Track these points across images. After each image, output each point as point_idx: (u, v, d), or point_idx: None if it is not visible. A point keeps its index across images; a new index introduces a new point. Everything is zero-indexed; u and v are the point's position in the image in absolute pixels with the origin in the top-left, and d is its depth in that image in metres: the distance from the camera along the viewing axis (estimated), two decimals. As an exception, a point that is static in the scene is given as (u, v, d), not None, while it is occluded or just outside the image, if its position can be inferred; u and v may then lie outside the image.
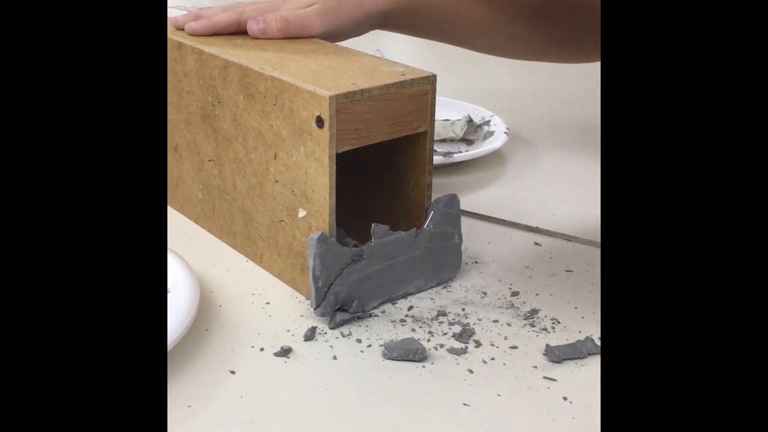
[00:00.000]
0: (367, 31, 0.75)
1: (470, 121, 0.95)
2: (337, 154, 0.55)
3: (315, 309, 0.56)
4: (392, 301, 0.60)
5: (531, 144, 0.97)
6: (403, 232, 0.59)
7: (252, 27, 0.67)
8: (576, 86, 1.24)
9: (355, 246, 0.58)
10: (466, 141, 0.94)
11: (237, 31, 0.69)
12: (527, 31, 0.82)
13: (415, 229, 0.60)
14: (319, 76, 0.57)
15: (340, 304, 0.57)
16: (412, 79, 0.57)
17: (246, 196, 0.63)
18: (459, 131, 0.94)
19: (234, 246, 0.67)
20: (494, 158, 0.91)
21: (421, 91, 0.58)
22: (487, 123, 0.97)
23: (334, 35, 0.71)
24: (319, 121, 0.54)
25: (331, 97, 0.53)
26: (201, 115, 0.66)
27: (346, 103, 0.54)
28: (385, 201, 0.65)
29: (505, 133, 0.93)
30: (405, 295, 0.60)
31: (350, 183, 0.60)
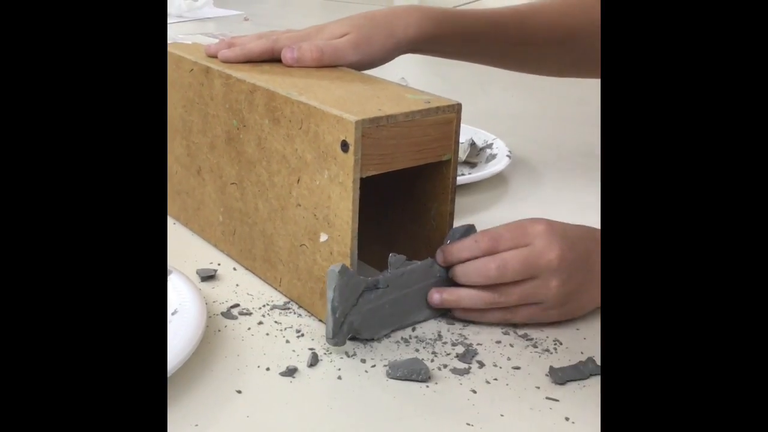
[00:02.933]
0: (396, 57, 0.76)
1: (473, 144, 0.96)
2: (361, 179, 0.55)
3: (330, 339, 0.56)
4: (402, 328, 0.60)
5: (533, 167, 0.98)
6: (419, 262, 0.59)
7: (286, 55, 0.68)
8: (577, 110, 1.26)
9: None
10: (469, 164, 0.95)
11: (270, 58, 0.69)
12: (556, 52, 0.84)
13: (430, 258, 0.60)
14: (345, 102, 0.58)
15: (353, 333, 0.57)
16: (438, 107, 0.58)
17: (267, 220, 0.64)
18: (462, 154, 0.95)
19: (253, 270, 0.67)
20: (496, 181, 0.92)
21: (445, 119, 0.59)
22: (490, 146, 0.98)
23: (366, 64, 0.72)
24: (344, 146, 0.54)
25: (357, 122, 0.54)
26: (225, 138, 0.67)
27: (371, 128, 0.55)
28: (405, 228, 0.65)
29: (507, 156, 0.94)
30: (414, 323, 0.61)
31: (371, 208, 0.60)
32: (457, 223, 0.62)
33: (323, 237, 0.58)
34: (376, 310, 0.57)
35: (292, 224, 0.61)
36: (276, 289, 0.65)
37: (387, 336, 0.59)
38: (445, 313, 0.62)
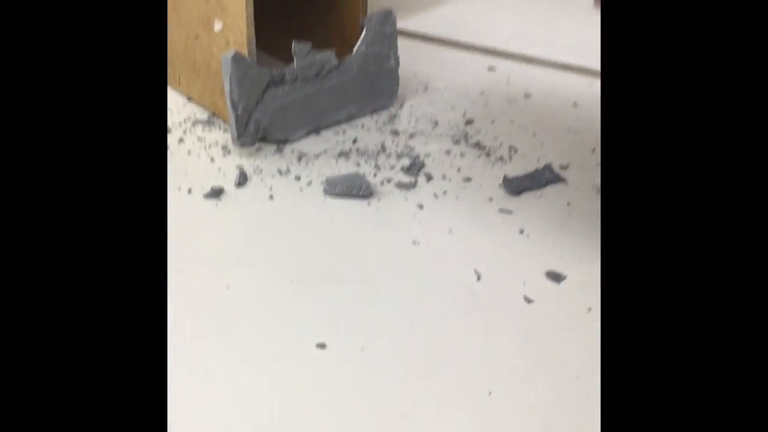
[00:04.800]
0: None
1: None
2: None
3: (236, 139, 0.51)
4: (320, 130, 0.55)
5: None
6: (327, 50, 0.53)
7: None
8: None
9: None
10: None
11: None
12: None
13: (335, 49, 0.54)
14: None
15: (262, 133, 0.52)
16: None
17: None
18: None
19: None
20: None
21: None
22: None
23: None
24: None
25: None
26: None
27: None
28: (317, 18, 0.59)
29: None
30: (335, 123, 0.56)
31: (279, 2, 0.54)
32: (374, 8, 0.56)
33: (217, 26, 0.52)
34: (286, 108, 0.52)
35: (184, 12, 0.55)
36: (176, 89, 0.59)
37: (310, 134, 0.54)
38: (372, 112, 0.57)
